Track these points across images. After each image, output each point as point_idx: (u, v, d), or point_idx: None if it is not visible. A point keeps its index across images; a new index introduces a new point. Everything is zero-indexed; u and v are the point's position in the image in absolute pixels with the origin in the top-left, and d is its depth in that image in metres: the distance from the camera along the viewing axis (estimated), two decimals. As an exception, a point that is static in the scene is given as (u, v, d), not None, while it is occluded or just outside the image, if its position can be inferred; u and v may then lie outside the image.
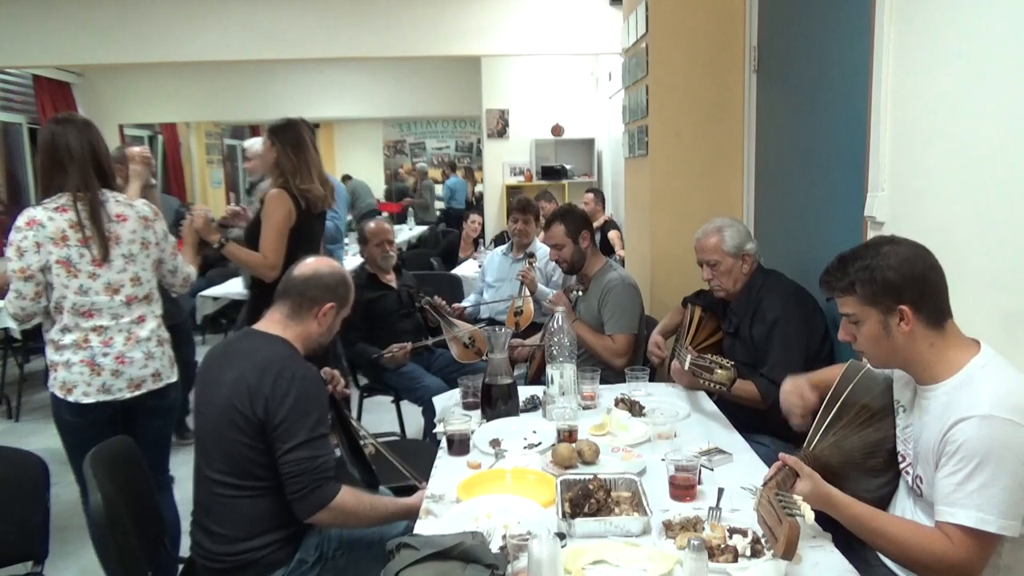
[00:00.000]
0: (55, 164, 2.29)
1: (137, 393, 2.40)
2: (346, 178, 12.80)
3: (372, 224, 3.85)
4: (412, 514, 1.85)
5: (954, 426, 1.41)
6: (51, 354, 2.33)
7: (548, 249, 4.49)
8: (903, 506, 1.64)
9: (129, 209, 2.40)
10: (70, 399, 2.30)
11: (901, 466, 1.65)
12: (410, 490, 2.19)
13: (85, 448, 2.12)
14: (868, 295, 1.50)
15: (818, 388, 1.88)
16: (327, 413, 1.91)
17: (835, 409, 1.71)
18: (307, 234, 3.03)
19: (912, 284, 1.48)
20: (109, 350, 2.33)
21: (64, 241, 2.26)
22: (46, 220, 2.25)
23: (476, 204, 10.62)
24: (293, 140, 3.01)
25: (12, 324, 3.89)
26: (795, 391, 1.92)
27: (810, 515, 1.40)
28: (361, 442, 2.21)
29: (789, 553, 1.34)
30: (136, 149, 3.55)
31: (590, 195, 6.36)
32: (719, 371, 2.14)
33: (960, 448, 1.39)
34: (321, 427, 1.82)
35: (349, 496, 1.82)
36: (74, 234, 2.27)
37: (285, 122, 3.07)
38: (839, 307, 1.59)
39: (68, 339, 2.30)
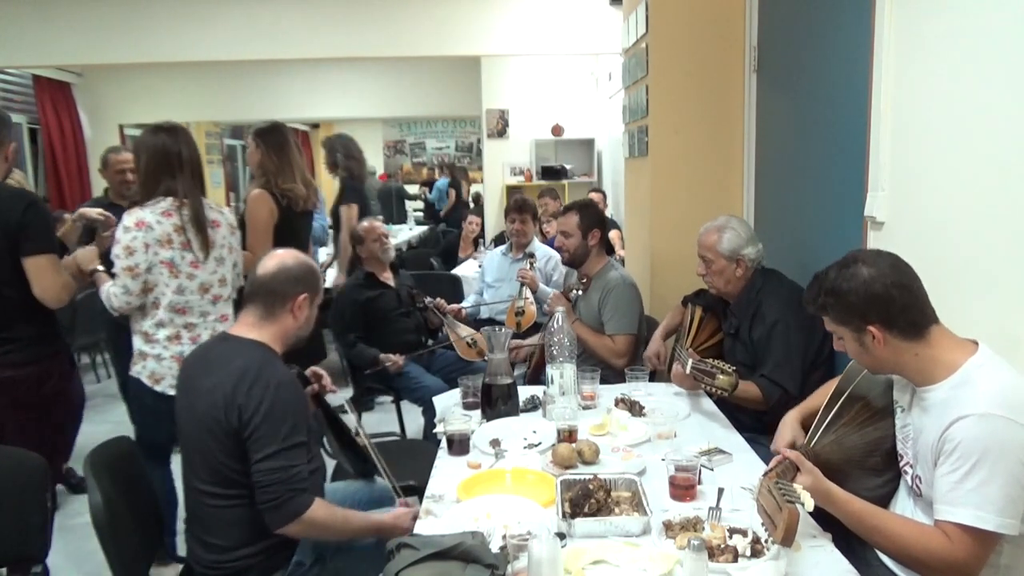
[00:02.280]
0: (167, 170, 2.46)
1: None
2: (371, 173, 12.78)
3: (365, 223, 3.88)
4: (385, 533, 1.82)
5: (952, 425, 1.41)
6: (141, 344, 2.50)
7: (547, 249, 4.53)
8: (903, 506, 1.64)
9: (221, 216, 2.60)
10: (157, 389, 2.48)
11: (900, 465, 1.65)
12: (409, 490, 2.19)
13: (157, 429, 2.56)
14: (837, 317, 1.57)
15: (810, 419, 1.87)
16: (305, 420, 1.85)
17: (836, 407, 1.72)
18: (291, 232, 3.10)
19: (875, 305, 1.50)
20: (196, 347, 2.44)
21: (169, 244, 2.43)
22: (154, 223, 2.41)
23: (472, 205, 10.61)
24: (277, 142, 3.12)
25: None
26: (787, 449, 1.89)
27: (810, 502, 1.40)
28: (352, 432, 2.19)
29: (788, 540, 1.34)
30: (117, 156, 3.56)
31: (598, 194, 6.36)
32: (721, 376, 2.14)
33: (958, 447, 1.40)
34: (297, 435, 1.77)
35: (321, 509, 1.78)
36: (178, 237, 2.45)
37: (270, 125, 3.19)
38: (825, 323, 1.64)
39: (162, 334, 2.47)
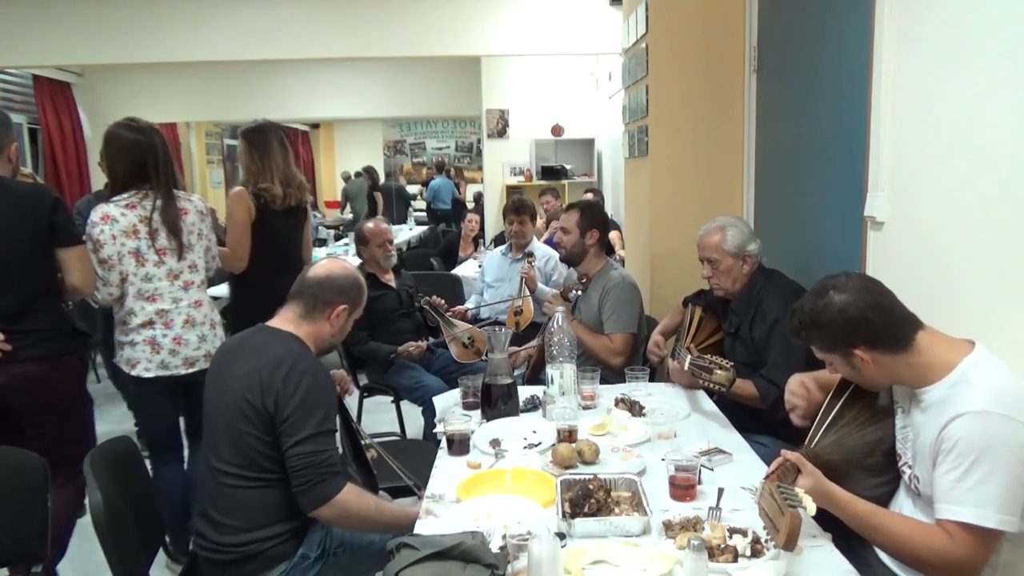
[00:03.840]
0: (139, 168, 2.55)
1: (192, 370, 2.65)
2: (358, 175, 12.82)
3: (371, 224, 3.85)
4: (412, 524, 1.85)
5: (950, 423, 1.42)
6: (118, 334, 2.62)
7: (547, 249, 4.53)
8: (902, 506, 1.64)
9: (189, 204, 2.70)
10: (133, 373, 2.59)
11: (899, 465, 1.65)
12: (406, 492, 2.20)
13: (149, 412, 2.75)
14: (823, 347, 1.63)
15: (823, 388, 1.88)
16: (335, 410, 1.93)
17: (837, 407, 1.72)
18: (273, 229, 3.16)
19: (854, 329, 1.53)
20: (168, 332, 2.61)
21: (135, 234, 2.54)
22: (119, 215, 2.52)
23: (468, 204, 10.59)
24: (260, 142, 3.17)
25: None
26: (800, 389, 1.91)
27: (812, 507, 1.40)
28: (363, 443, 2.22)
29: (791, 544, 1.34)
30: None
31: (588, 195, 6.36)
32: (718, 372, 2.14)
33: (956, 445, 1.40)
34: (328, 423, 1.85)
35: (353, 494, 1.84)
36: (143, 227, 2.55)
37: (257, 125, 3.24)
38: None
39: (134, 321, 2.58)
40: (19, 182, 2.53)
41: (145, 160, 2.56)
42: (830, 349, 1.61)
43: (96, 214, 2.52)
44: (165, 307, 2.60)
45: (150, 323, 2.58)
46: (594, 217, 3.12)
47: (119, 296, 2.58)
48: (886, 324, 1.52)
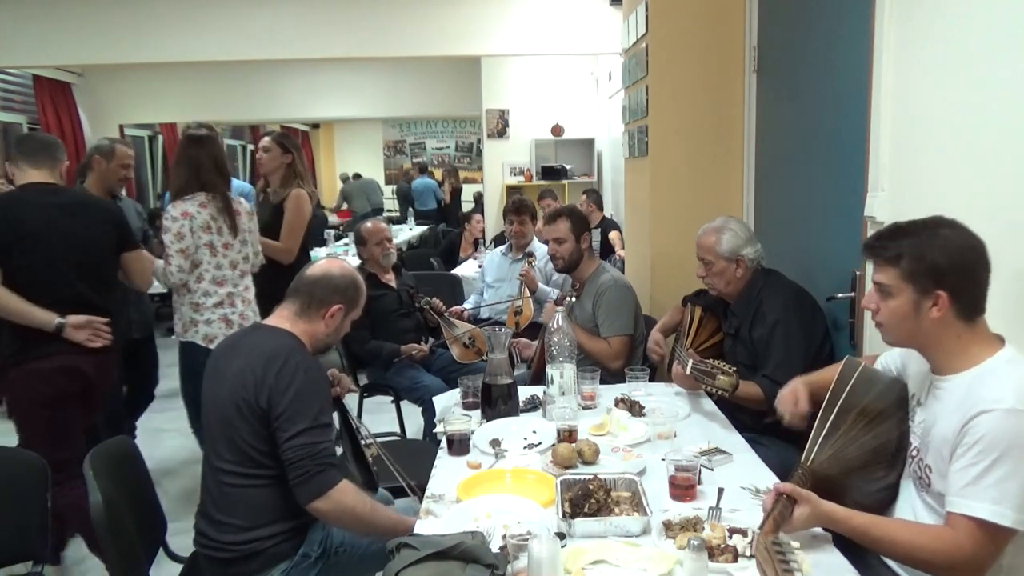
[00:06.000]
0: (205, 171, 2.95)
1: None
2: (356, 176, 12.80)
3: (369, 224, 3.87)
4: (409, 532, 1.85)
5: (975, 418, 1.39)
6: (191, 313, 2.98)
7: (547, 248, 4.52)
8: (908, 496, 1.62)
9: (240, 206, 3.11)
10: (211, 347, 2.88)
11: (907, 452, 1.63)
12: (405, 491, 2.20)
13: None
14: (910, 272, 1.47)
15: (817, 391, 1.86)
16: (329, 404, 1.93)
17: (832, 416, 1.67)
18: (310, 231, 3.73)
19: (958, 273, 1.45)
20: (235, 310, 3.04)
21: (208, 229, 2.94)
22: (195, 213, 2.92)
23: (462, 206, 10.57)
24: (298, 149, 3.67)
25: None
26: (791, 396, 1.91)
27: (809, 571, 1.37)
28: (363, 443, 2.22)
29: None
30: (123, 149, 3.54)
31: (583, 196, 6.36)
32: (721, 377, 2.13)
33: (980, 440, 1.38)
34: (323, 417, 1.84)
35: (350, 490, 1.83)
36: (214, 223, 2.95)
37: (284, 133, 3.71)
38: (874, 274, 1.55)
39: (210, 302, 2.98)
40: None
41: (214, 163, 2.97)
42: (914, 279, 1.46)
43: (176, 211, 2.89)
44: (231, 290, 3.02)
45: (221, 303, 2.98)
46: (582, 220, 3.14)
47: (185, 282, 2.94)
48: (980, 285, 1.46)
